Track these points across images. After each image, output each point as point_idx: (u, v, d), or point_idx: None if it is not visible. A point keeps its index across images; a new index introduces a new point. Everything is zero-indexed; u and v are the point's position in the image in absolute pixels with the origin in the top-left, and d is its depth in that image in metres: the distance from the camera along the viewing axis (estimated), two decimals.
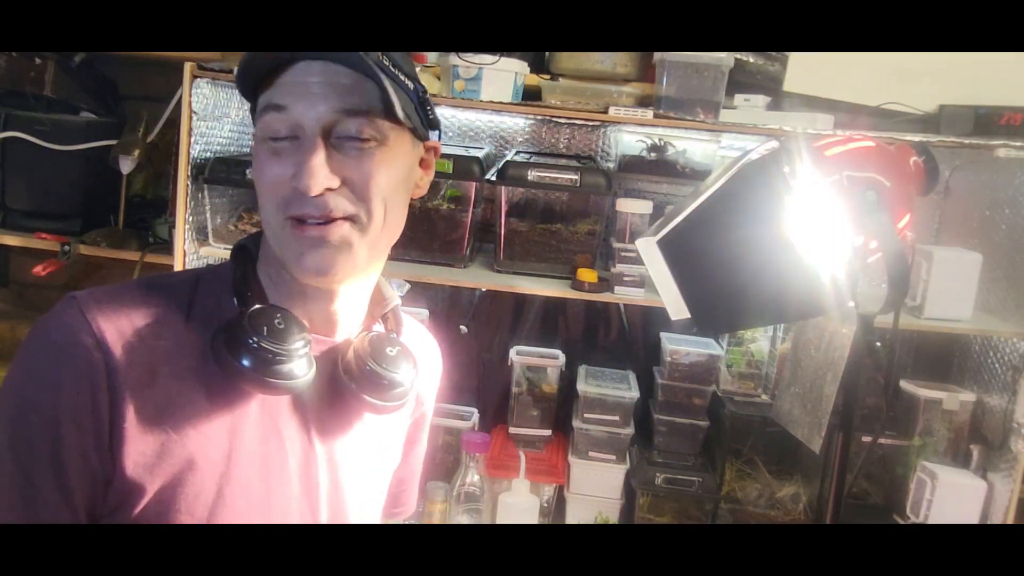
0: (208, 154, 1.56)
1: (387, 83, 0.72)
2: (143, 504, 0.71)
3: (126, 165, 1.71)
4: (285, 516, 0.79)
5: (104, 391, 0.70)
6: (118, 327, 0.72)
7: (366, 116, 0.73)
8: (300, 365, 0.76)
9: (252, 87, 0.75)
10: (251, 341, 0.73)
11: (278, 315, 0.76)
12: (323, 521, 0.82)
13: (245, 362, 0.73)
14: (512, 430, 1.77)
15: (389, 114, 0.73)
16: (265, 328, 0.74)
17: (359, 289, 0.83)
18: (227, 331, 0.74)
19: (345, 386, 0.81)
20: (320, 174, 0.71)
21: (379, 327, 0.88)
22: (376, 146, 0.74)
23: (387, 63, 0.74)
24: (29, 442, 0.69)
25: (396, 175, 0.76)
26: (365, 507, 0.89)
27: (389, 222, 0.77)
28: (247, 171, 1.52)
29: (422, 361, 0.91)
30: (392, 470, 0.96)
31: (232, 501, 0.74)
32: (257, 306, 0.76)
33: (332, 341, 0.83)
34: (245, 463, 0.76)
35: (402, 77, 0.75)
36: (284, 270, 0.78)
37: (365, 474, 0.88)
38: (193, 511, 0.72)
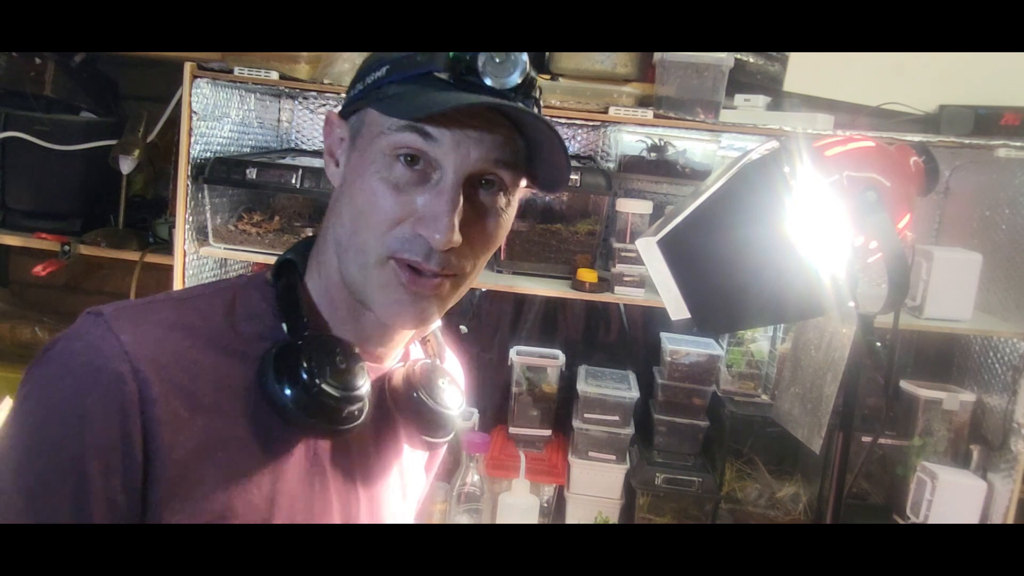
0: (208, 154, 1.56)
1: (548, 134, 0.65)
2: None
3: (126, 165, 1.71)
4: None
5: (138, 426, 0.61)
6: (153, 351, 0.63)
7: (511, 170, 0.67)
8: (360, 408, 0.69)
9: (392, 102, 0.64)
10: (307, 381, 0.65)
11: (339, 351, 0.68)
12: None
13: (303, 408, 0.65)
14: (512, 430, 1.77)
15: (523, 167, 0.68)
16: (328, 368, 0.66)
17: None
18: (279, 364, 0.66)
19: (397, 421, 0.76)
20: (457, 232, 0.64)
21: (416, 348, 0.83)
22: (505, 201, 0.69)
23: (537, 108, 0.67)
24: (48, 486, 0.60)
25: (508, 228, 0.71)
26: None
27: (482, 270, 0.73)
28: (247, 171, 1.52)
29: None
30: (418, 501, 0.92)
31: None
32: (314, 337, 0.68)
33: (381, 368, 0.77)
34: (288, 507, 0.69)
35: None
36: (352, 296, 0.70)
37: (398, 511, 0.84)
38: None
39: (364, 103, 0.68)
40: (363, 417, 0.70)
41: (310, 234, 0.79)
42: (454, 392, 0.79)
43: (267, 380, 0.65)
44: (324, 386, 0.65)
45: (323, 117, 1.92)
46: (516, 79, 0.64)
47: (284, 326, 0.69)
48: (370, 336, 0.74)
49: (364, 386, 0.69)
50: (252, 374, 0.66)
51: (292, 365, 0.65)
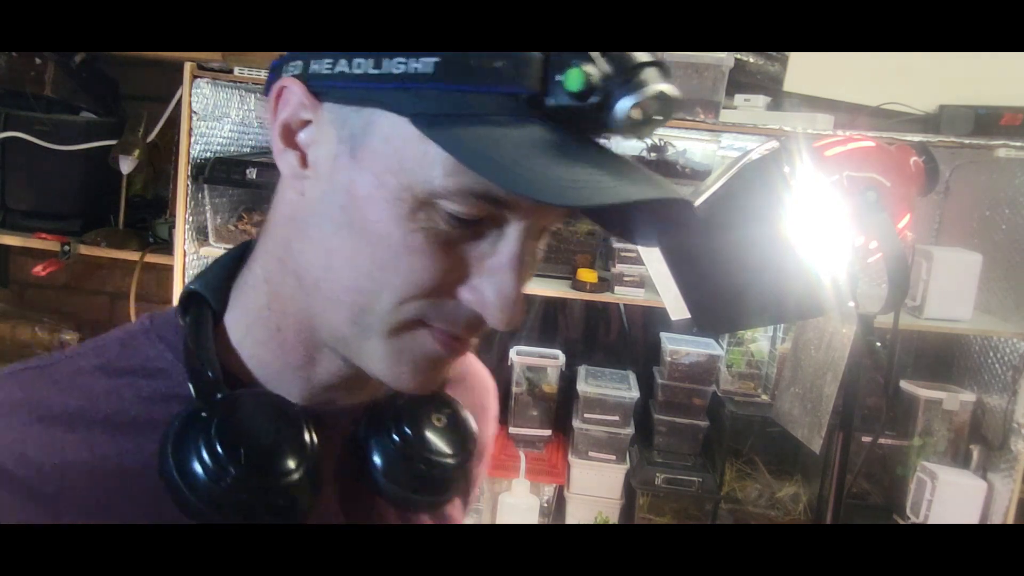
0: (208, 154, 1.56)
1: None
2: None
3: (126, 165, 1.71)
4: None
5: None
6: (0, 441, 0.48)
7: (569, 218, 0.55)
8: (303, 493, 0.51)
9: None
10: (213, 468, 0.47)
11: (267, 424, 0.50)
12: None
13: (212, 505, 0.47)
14: (512, 430, 1.77)
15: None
16: (241, 450, 0.48)
17: None
18: (179, 443, 0.48)
19: (373, 483, 0.58)
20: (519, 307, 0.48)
21: None
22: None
23: None
24: None
25: None
26: None
27: None
28: (247, 171, 1.52)
29: (476, 405, 0.68)
30: None
31: None
32: (229, 401, 0.50)
33: (350, 404, 0.58)
34: None
35: None
36: (320, 339, 0.53)
37: None
38: None
39: (378, 100, 0.47)
40: (313, 495, 0.52)
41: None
42: (461, 426, 0.59)
43: (165, 466, 0.48)
44: (237, 475, 0.47)
45: None
46: (647, 136, 0.49)
47: (191, 386, 0.51)
48: (333, 384, 0.56)
49: (305, 464, 0.51)
50: (151, 447, 0.49)
51: (195, 444, 0.47)
